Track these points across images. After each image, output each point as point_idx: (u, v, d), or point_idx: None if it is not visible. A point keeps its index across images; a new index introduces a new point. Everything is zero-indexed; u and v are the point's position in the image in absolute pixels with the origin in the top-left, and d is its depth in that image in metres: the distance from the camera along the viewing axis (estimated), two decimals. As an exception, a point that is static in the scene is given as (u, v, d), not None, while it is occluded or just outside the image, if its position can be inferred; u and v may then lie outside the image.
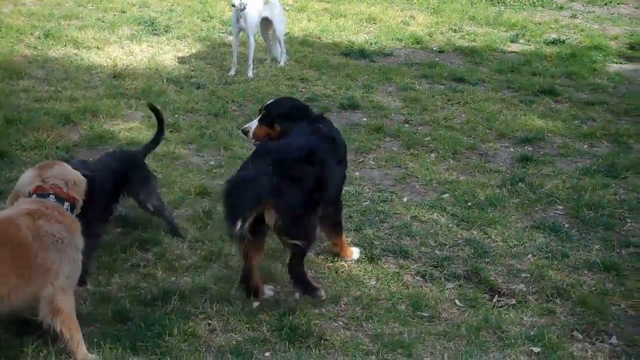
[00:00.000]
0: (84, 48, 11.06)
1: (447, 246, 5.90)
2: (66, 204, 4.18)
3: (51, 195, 4.15)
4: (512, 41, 13.28)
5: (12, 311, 4.22)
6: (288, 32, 12.30)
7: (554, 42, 13.15)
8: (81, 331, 4.18)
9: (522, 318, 4.97)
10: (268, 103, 5.69)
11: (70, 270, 4.08)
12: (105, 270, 5.16)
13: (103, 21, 12.56)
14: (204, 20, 13.35)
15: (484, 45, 12.85)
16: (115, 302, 4.78)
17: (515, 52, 12.68)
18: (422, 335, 4.70)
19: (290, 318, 4.72)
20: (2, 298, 3.87)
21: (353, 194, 6.69)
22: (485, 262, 5.68)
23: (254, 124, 5.61)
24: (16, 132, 7.49)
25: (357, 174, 7.22)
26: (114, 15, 13.05)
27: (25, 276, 3.91)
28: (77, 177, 4.36)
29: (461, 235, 6.09)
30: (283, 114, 5.48)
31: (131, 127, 7.97)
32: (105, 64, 10.33)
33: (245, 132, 5.67)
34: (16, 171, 6.53)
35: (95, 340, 4.32)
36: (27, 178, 4.30)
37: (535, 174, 7.39)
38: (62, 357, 4.12)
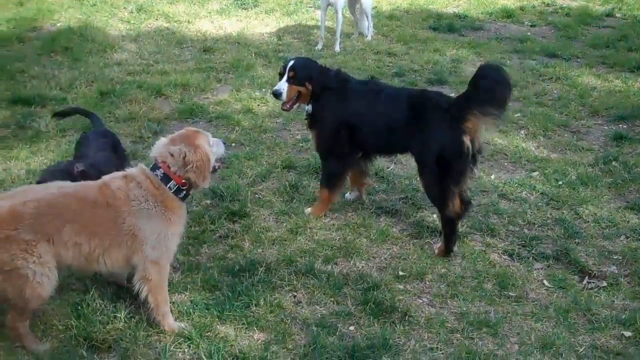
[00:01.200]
0: (175, 22, 11.29)
1: (536, 225, 5.77)
2: (172, 182, 4.16)
3: (159, 170, 4.18)
4: (607, 15, 12.83)
5: (112, 274, 4.38)
6: (375, 6, 12.23)
7: (653, 16, 12.65)
8: (169, 301, 4.31)
9: (613, 301, 4.83)
10: (292, 63, 5.68)
11: (156, 242, 4.14)
12: (194, 240, 5.28)
13: (193, -5, 12.76)
14: (292, -6, 13.40)
15: (578, 20, 12.47)
16: (204, 271, 4.88)
17: (610, 26, 12.24)
18: (509, 315, 4.63)
19: (375, 293, 4.72)
20: (98, 259, 4.01)
21: (440, 170, 6.61)
22: (575, 242, 5.53)
23: (284, 86, 5.64)
24: (110, 104, 7.73)
25: (444, 150, 7.12)
26: (204, -11, 13.24)
27: (116, 239, 4.04)
28: (196, 159, 4.17)
29: (551, 214, 5.95)
30: (315, 74, 5.62)
31: (220, 101, 8.09)
32: (195, 38, 10.52)
33: (278, 95, 5.69)
34: (110, 142, 6.73)
35: (185, 308, 4.44)
36: (156, 146, 4.31)
37: (629, 153, 7.14)
38: (154, 324, 4.25)
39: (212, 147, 4.38)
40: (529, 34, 11.67)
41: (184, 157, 4.15)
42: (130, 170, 4.25)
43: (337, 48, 10.36)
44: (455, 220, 5.32)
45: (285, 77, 5.64)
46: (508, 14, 12.69)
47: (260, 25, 11.45)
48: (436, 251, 5.39)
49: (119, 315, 4.29)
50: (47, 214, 3.85)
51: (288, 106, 5.73)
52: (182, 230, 4.34)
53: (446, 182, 5.21)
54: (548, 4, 13.60)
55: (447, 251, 5.31)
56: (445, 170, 5.19)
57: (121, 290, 4.55)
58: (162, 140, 4.32)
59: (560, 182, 6.47)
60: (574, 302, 4.76)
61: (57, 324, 4.25)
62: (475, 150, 5.17)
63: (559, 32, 11.81)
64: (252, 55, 9.81)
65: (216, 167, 4.49)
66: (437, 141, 5.20)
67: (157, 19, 11.38)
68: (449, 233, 5.31)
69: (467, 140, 5.07)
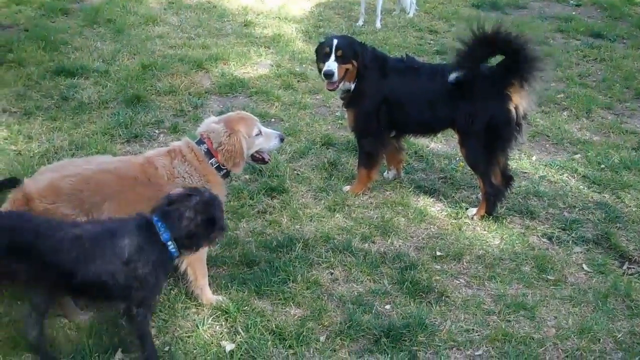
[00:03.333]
0: (216, -5, 11.29)
1: (577, 209, 5.71)
2: (213, 159, 4.22)
3: (204, 145, 4.24)
4: (656, -5, 12.55)
5: None
6: (418, -18, 12.09)
7: (703, -4, 12.34)
8: (208, 274, 4.34)
9: (654, 287, 4.78)
10: (338, 42, 5.61)
11: None
12: (233, 214, 5.31)
13: (235, -31, 12.74)
14: (334, -31, 13.32)
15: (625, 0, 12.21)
16: (243, 246, 4.92)
17: (659, 6, 11.98)
18: (547, 298, 4.60)
19: (412, 272, 4.73)
20: None
21: (480, 150, 6.56)
22: (616, 227, 5.46)
23: (334, 65, 5.58)
24: (152, 77, 7.77)
25: (484, 130, 7.06)
26: (246, -37, 13.21)
27: None
28: (227, 143, 4.22)
29: (592, 198, 5.88)
30: (360, 51, 5.61)
31: (260, 76, 8.09)
32: (236, 12, 10.52)
33: (330, 75, 5.60)
34: (151, 115, 6.80)
35: (223, 282, 4.48)
36: (204, 123, 4.38)
37: (675, 137, 7.01)
38: (192, 297, 4.30)
39: (257, 137, 4.39)
40: (574, 13, 11.46)
41: (220, 138, 4.20)
42: (175, 144, 4.28)
43: (378, 24, 10.28)
44: (498, 189, 5.48)
45: (332, 57, 5.60)
46: (553, -7, 12.51)
47: (301, 0, 11.40)
48: (475, 216, 5.51)
49: (158, 287, 4.34)
50: (85, 189, 3.89)
51: (335, 85, 5.71)
52: None
53: (493, 150, 5.38)
54: (594, -18, 13.35)
55: (488, 214, 5.51)
56: (493, 138, 5.34)
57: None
58: (211, 118, 4.38)
59: (602, 165, 6.39)
60: (614, 287, 4.71)
61: (98, 293, 4.32)
62: (520, 117, 5.28)
63: (604, 12, 11.59)
64: (292, 31, 9.79)
65: (265, 158, 4.53)
66: (486, 110, 5.30)
67: (198, -7, 11.41)
68: (493, 201, 5.49)
69: (512, 107, 5.23)
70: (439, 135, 6.48)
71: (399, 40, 9.54)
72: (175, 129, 6.59)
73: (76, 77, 7.63)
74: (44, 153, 5.95)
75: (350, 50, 5.58)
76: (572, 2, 12.19)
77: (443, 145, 6.68)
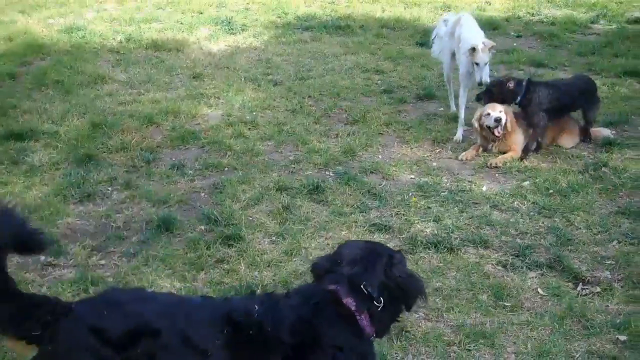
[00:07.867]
0: (164, 50, 11.35)
1: (529, 235, 5.83)
2: None
3: None
4: (592, 22, 12.96)
5: None
6: (363, 25, 12.36)
7: (637, 21, 12.78)
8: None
9: (608, 306, 4.88)
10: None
11: None
12: (191, 266, 5.32)
13: (181, 23, 12.86)
14: (279, 17, 13.52)
15: (564, 28, 12.57)
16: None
17: (596, 33, 12.36)
18: (505, 325, 4.68)
19: (372, 310, 4.76)
20: None
21: (431, 184, 6.67)
22: (568, 249, 5.59)
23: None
24: (102, 135, 7.75)
25: (434, 164, 7.19)
26: (192, 16, 13.35)
27: None
28: None
29: (543, 223, 6.01)
30: None
31: (211, 126, 8.14)
32: (184, 65, 10.57)
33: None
34: (103, 173, 6.80)
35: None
36: None
37: (619, 158, 7.21)
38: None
39: None
40: (515, 44, 11.76)
41: None
42: None
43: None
44: None
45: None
46: (494, 26, 12.77)
47: (249, 50, 11.53)
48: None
49: None
50: None
51: None
52: None
53: None
54: (533, 14, 13.72)
55: None
56: None
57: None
58: None
59: (551, 191, 6.54)
60: (569, 308, 4.81)
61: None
62: None
63: (544, 42, 11.91)
64: (241, 80, 9.87)
65: None
66: None
67: (146, 48, 11.42)
68: None
69: None
70: (392, 169, 6.64)
71: (347, 82, 9.68)
72: (129, 185, 6.58)
73: (26, 140, 7.57)
74: (-4, 219, 5.89)
75: None
76: (512, 33, 12.51)
77: (395, 182, 6.77)
